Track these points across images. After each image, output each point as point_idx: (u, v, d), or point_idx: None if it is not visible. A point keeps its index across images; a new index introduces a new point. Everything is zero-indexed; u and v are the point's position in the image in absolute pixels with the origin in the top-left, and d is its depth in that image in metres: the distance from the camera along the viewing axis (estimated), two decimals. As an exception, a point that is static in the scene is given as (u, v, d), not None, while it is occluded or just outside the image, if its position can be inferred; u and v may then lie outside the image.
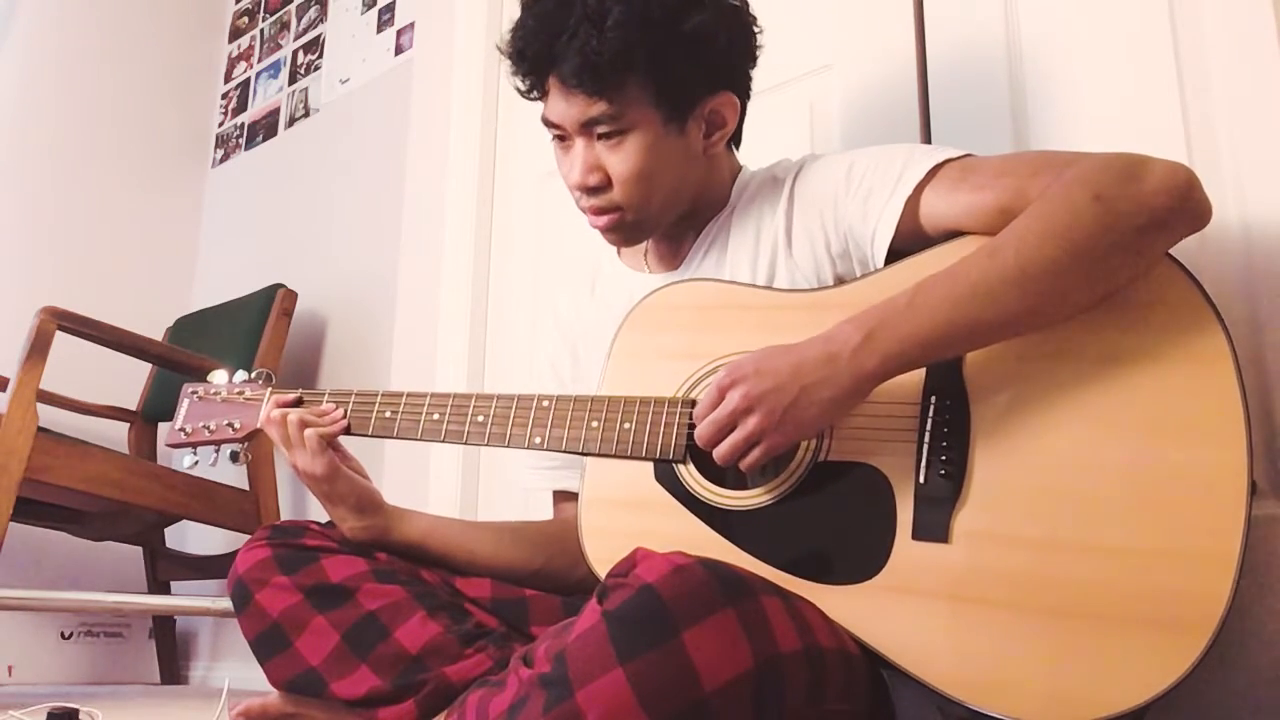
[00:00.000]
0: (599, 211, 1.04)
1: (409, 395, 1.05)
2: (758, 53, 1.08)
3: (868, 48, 1.46)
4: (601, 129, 1.00)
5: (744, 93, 1.08)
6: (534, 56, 1.01)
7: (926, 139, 1.38)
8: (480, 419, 1.01)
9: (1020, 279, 0.80)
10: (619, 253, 1.21)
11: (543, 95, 1.04)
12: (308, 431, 1.04)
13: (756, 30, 1.07)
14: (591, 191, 1.03)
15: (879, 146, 1.02)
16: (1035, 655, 0.75)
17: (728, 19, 1.02)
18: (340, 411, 1.07)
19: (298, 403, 1.10)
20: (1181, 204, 0.81)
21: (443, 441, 1.03)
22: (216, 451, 1.14)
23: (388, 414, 1.05)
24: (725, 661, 0.68)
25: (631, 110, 0.99)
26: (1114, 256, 0.80)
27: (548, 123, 1.04)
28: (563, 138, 1.04)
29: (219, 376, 1.17)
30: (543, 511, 1.23)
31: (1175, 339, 0.79)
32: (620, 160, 1.01)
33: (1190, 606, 0.72)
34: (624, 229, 1.06)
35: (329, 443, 1.05)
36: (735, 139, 1.14)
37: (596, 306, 1.18)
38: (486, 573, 1.09)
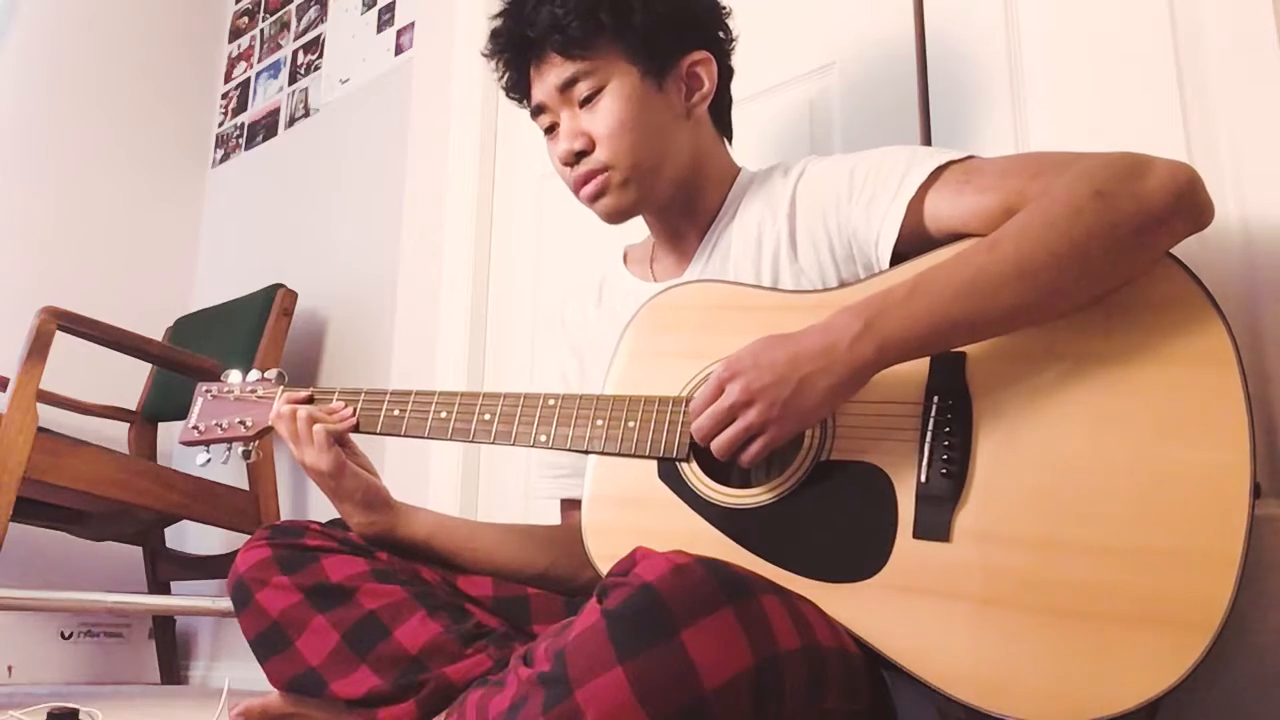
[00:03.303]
0: (587, 178, 1.05)
1: (417, 394, 1.06)
2: (726, 16, 1.13)
3: (868, 47, 1.46)
4: (579, 88, 1.04)
5: (720, 54, 1.11)
6: (508, 32, 1.08)
7: (926, 139, 1.38)
8: (487, 417, 1.02)
9: (1020, 273, 0.80)
10: (624, 261, 1.21)
11: (525, 92, 1.10)
12: (316, 427, 1.05)
13: (724, 11, 1.13)
14: (578, 158, 1.05)
15: (880, 149, 1.02)
16: (1035, 654, 0.75)
17: None
18: (349, 409, 1.08)
19: (309, 400, 1.10)
20: (1183, 203, 0.81)
21: (449, 439, 1.03)
22: (229, 449, 1.16)
23: (396, 412, 1.06)
24: (725, 660, 0.68)
25: (605, 66, 1.04)
26: (1114, 253, 0.80)
27: (535, 112, 1.09)
28: (551, 128, 1.08)
29: (233, 376, 1.19)
30: (542, 515, 1.23)
31: (1178, 339, 0.79)
32: (600, 117, 1.04)
33: (1191, 607, 0.72)
34: (612, 190, 1.05)
35: (338, 439, 1.06)
36: (726, 132, 1.15)
37: (602, 316, 1.19)
38: (490, 572, 1.09)
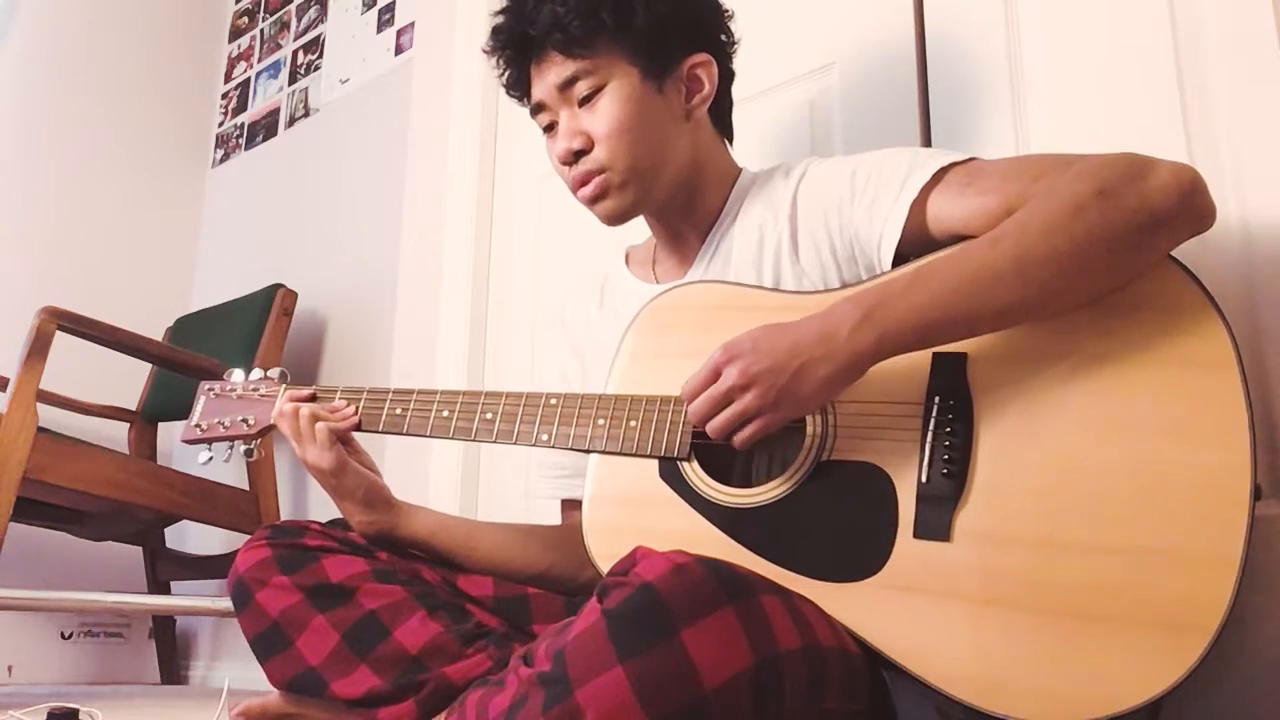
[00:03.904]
0: (585, 179, 1.05)
1: (419, 393, 1.06)
2: (728, 18, 1.12)
3: (868, 47, 1.46)
4: (579, 87, 1.04)
5: (721, 56, 1.11)
6: (509, 29, 1.08)
7: (926, 139, 1.38)
8: (489, 416, 1.02)
9: (1020, 269, 0.80)
10: (626, 262, 1.21)
11: (526, 90, 1.10)
12: (318, 425, 1.05)
13: (725, 14, 1.12)
14: (576, 158, 1.05)
15: (882, 151, 1.02)
16: (1035, 654, 0.75)
17: None
18: (352, 408, 1.08)
19: (311, 399, 1.11)
20: (1186, 204, 0.81)
21: (451, 438, 1.03)
22: (230, 448, 1.16)
23: (398, 411, 1.06)
24: (725, 660, 0.68)
25: (605, 66, 1.04)
26: (1115, 252, 0.80)
27: (534, 110, 1.09)
28: (550, 126, 1.08)
29: (236, 375, 1.19)
30: (543, 515, 1.23)
31: (1179, 340, 0.79)
32: (599, 117, 1.04)
33: (1191, 608, 0.72)
34: (611, 192, 1.05)
35: (340, 438, 1.06)
36: (727, 132, 1.15)
37: (604, 318, 1.19)
38: (491, 571, 1.09)
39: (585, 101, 1.04)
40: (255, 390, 1.16)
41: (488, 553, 1.10)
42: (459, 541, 1.10)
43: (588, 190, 1.06)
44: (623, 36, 1.03)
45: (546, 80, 1.06)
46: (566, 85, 1.05)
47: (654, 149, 1.05)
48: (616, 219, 1.08)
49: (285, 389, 1.14)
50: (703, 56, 1.08)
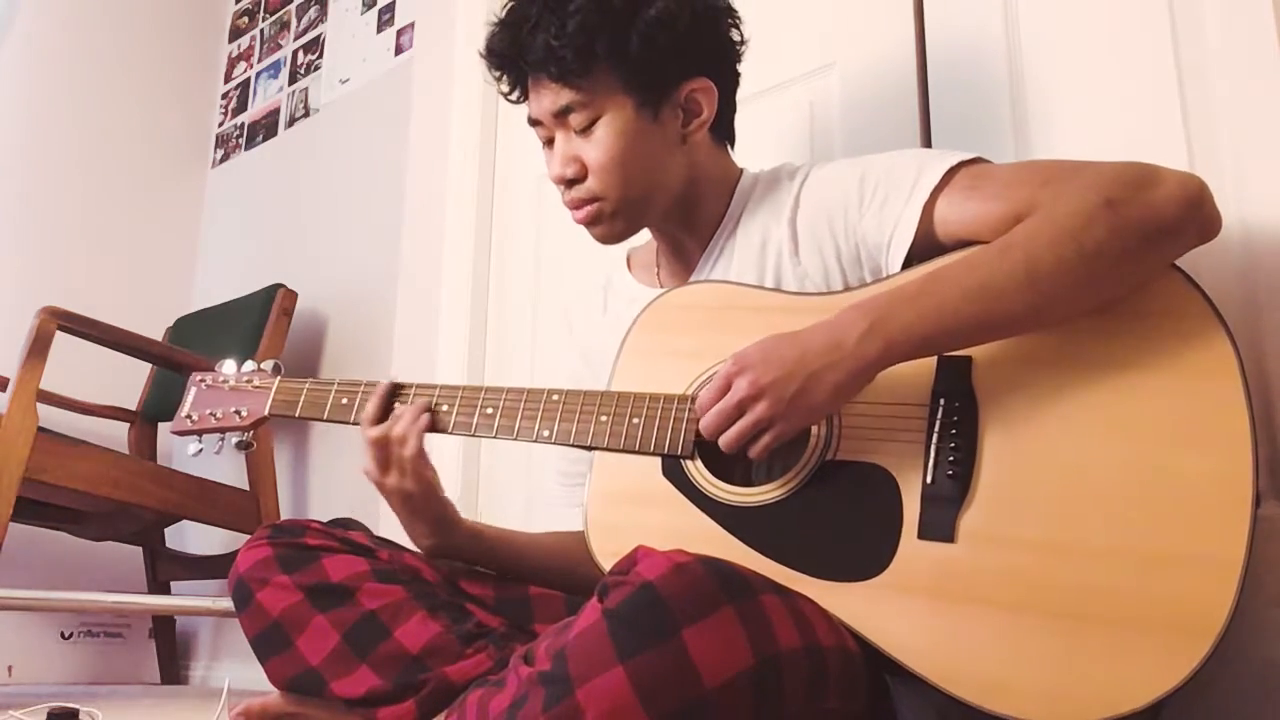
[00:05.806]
0: (578, 204, 1.06)
1: (418, 387, 1.06)
2: (735, 38, 1.09)
3: (868, 48, 1.46)
4: (574, 118, 1.03)
5: (722, 79, 1.08)
6: (502, 52, 1.06)
7: (926, 139, 1.38)
8: (489, 411, 1.02)
9: (1029, 278, 0.80)
10: (629, 266, 1.21)
11: (524, 95, 1.09)
12: (407, 451, 1.01)
13: (733, 20, 1.09)
14: (570, 184, 1.05)
15: (887, 154, 1.02)
16: (1037, 656, 0.75)
17: (693, 3, 1.03)
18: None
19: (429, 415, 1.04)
20: (1192, 214, 0.81)
21: (450, 433, 1.03)
22: (221, 440, 1.15)
23: (395, 406, 1.06)
24: (725, 659, 0.68)
25: (600, 97, 1.02)
26: (1122, 262, 0.81)
27: (531, 122, 1.08)
28: (549, 140, 1.08)
29: (227, 366, 1.18)
30: (543, 516, 1.22)
31: (1182, 347, 0.80)
32: (593, 148, 1.03)
33: (1194, 612, 0.72)
34: (604, 220, 1.06)
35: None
36: (728, 136, 1.14)
37: (607, 322, 1.19)
38: (544, 581, 1.09)
39: (581, 128, 1.04)
40: (248, 382, 1.15)
41: (540, 562, 1.10)
42: (514, 554, 1.10)
43: (581, 216, 1.06)
44: (617, 67, 1.01)
45: (542, 103, 1.05)
46: (561, 113, 1.04)
47: (647, 179, 1.05)
48: (610, 242, 1.09)
49: (280, 380, 1.13)
50: (701, 82, 1.06)
